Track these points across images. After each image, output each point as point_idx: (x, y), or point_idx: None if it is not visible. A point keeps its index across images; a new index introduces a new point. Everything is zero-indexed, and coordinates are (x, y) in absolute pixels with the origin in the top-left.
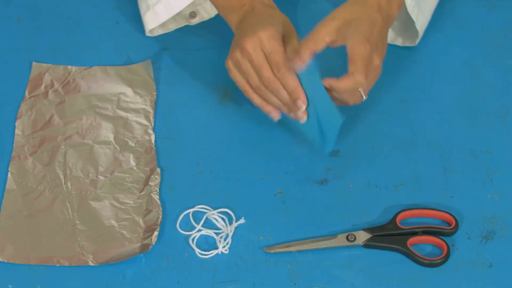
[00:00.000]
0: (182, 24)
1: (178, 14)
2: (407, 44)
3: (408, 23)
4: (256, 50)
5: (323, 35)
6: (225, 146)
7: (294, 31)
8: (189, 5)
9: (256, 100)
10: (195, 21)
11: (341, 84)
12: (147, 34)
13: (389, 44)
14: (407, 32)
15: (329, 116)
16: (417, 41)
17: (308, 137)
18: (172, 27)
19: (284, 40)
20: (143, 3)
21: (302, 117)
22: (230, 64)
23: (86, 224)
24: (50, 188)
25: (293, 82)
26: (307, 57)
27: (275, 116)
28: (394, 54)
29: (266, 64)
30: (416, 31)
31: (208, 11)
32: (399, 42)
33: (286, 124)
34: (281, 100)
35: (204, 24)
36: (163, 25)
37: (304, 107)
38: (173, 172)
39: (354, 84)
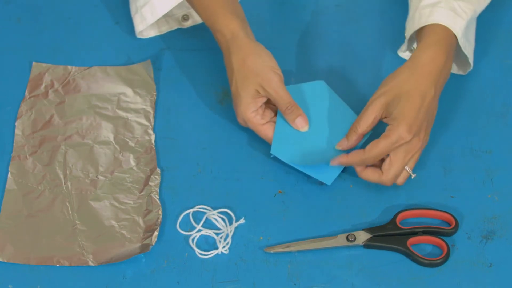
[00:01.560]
0: (174, 27)
1: (171, 16)
2: (460, 73)
3: (458, 55)
4: (247, 124)
5: (371, 116)
6: (225, 146)
7: (263, 70)
8: (181, 8)
9: None
10: (187, 24)
11: (364, 174)
12: (138, 36)
13: (388, 44)
14: (456, 62)
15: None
16: (468, 70)
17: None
18: (165, 29)
19: (259, 92)
20: (133, 5)
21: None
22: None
23: (86, 224)
24: (50, 188)
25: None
26: (355, 141)
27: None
28: (394, 56)
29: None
30: (466, 62)
31: None
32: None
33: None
34: None
35: (204, 25)
36: (154, 27)
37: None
38: (173, 172)
39: (378, 180)
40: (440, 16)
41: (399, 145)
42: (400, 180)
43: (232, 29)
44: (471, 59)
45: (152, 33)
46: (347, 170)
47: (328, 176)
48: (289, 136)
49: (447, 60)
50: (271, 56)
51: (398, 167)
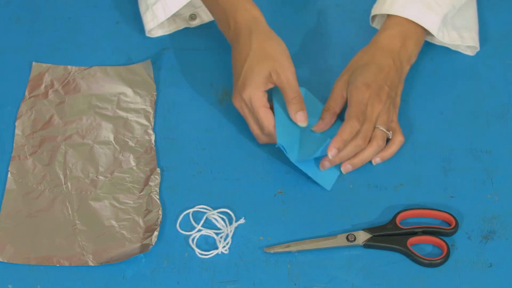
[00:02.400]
0: (182, 26)
1: (178, 16)
2: (468, 53)
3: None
4: (244, 110)
5: (339, 94)
6: (225, 146)
7: (279, 56)
8: (189, 7)
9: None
10: (195, 23)
11: (340, 133)
12: (147, 34)
13: None
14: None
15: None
16: (475, 51)
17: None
18: (172, 28)
19: (269, 77)
20: (143, 3)
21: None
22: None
23: (86, 224)
24: (50, 188)
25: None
26: (329, 120)
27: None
28: None
29: (254, 125)
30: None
31: (208, 14)
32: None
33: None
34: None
35: (204, 25)
36: (163, 26)
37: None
38: (173, 172)
39: (350, 128)
40: (411, 12)
41: (365, 102)
42: (380, 139)
43: (254, 13)
44: (469, 42)
45: (160, 32)
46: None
47: (327, 181)
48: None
49: (407, 41)
50: (287, 49)
51: (369, 123)
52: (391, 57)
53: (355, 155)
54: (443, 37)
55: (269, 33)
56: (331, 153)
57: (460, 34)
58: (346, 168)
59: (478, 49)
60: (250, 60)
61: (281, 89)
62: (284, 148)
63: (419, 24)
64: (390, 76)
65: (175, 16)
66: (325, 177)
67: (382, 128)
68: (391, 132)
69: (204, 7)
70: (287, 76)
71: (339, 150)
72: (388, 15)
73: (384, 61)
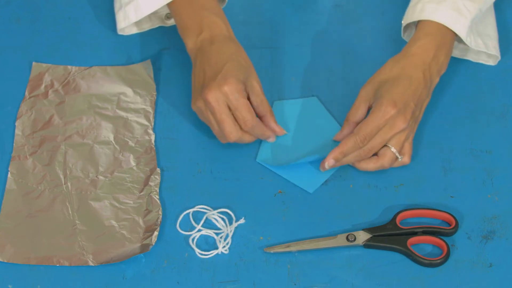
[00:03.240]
0: (156, 24)
1: (154, 14)
2: (490, 63)
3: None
4: (220, 104)
5: (361, 104)
6: (225, 146)
7: (252, 68)
8: (165, 7)
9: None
10: (170, 22)
11: (342, 144)
12: (119, 32)
13: (388, 44)
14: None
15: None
16: (497, 60)
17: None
18: (147, 27)
19: (245, 84)
20: (117, 2)
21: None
22: (195, 110)
23: (86, 224)
24: (50, 188)
25: (260, 129)
26: (348, 131)
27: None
28: (394, 54)
29: (228, 118)
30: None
31: None
32: (483, 59)
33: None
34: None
35: None
36: (138, 24)
37: (273, 139)
38: (173, 172)
39: (353, 144)
40: (442, 16)
41: (385, 121)
42: (384, 161)
43: (227, 26)
44: (492, 51)
45: (134, 30)
46: (347, 170)
47: (311, 184)
48: (276, 146)
49: (438, 51)
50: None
51: (381, 140)
52: (422, 69)
53: (355, 164)
54: (471, 42)
55: (238, 45)
56: (329, 163)
57: (484, 42)
58: (328, 162)
59: (499, 58)
60: (231, 64)
61: (253, 100)
62: (263, 163)
63: (450, 29)
64: (419, 91)
65: (151, 14)
66: (308, 180)
67: (393, 150)
68: (401, 156)
69: None
70: (258, 87)
71: (337, 160)
72: (419, 25)
73: (415, 74)
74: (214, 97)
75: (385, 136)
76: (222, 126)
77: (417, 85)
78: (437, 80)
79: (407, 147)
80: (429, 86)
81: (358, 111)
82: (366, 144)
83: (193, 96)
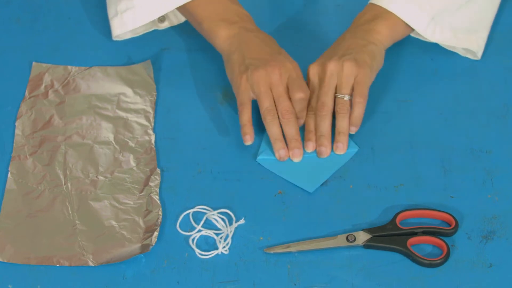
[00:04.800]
0: (150, 28)
1: None
2: (469, 56)
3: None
4: (283, 77)
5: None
6: (225, 146)
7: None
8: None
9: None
10: (163, 25)
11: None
12: (114, 38)
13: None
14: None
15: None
16: (479, 54)
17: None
18: (141, 31)
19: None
20: (112, 8)
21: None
22: (244, 79)
23: (86, 224)
24: (50, 188)
25: (292, 129)
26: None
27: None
28: (393, 55)
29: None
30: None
31: (177, 16)
32: (460, 51)
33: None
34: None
35: None
36: (132, 29)
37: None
38: (173, 172)
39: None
40: (400, 8)
41: (316, 80)
42: (342, 109)
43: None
44: (465, 45)
45: (128, 35)
46: (347, 170)
47: (311, 184)
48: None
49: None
50: None
51: (325, 90)
52: (349, 31)
53: (338, 134)
54: (433, 35)
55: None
56: (309, 148)
57: (456, 35)
58: (337, 147)
59: (478, 54)
60: (274, 45)
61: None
62: (263, 164)
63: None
64: (345, 42)
65: None
66: (308, 180)
67: (339, 95)
68: (347, 96)
69: (173, 10)
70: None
71: (312, 140)
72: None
73: (342, 36)
74: (278, 70)
75: (322, 84)
76: (280, 101)
77: (341, 40)
78: (380, 29)
79: (357, 85)
80: (358, 35)
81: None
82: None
83: (252, 70)
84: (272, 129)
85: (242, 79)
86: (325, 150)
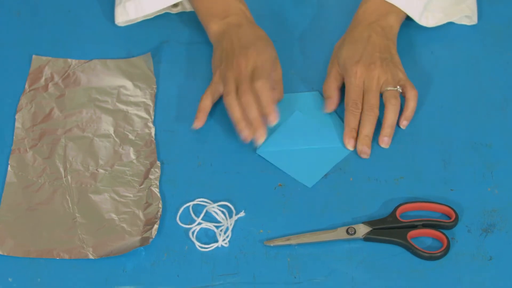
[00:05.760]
0: (163, 11)
1: None
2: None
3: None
4: (247, 67)
5: (330, 79)
6: (225, 139)
7: (277, 58)
8: None
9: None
10: (176, 10)
11: (347, 123)
12: (117, 24)
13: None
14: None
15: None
16: (475, 18)
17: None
18: (152, 14)
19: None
20: None
21: (259, 138)
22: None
23: (86, 217)
24: (50, 181)
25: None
26: (336, 99)
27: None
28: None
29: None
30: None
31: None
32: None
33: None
34: (249, 115)
35: None
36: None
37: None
38: (173, 165)
39: (352, 115)
40: (404, 2)
41: (360, 79)
42: (392, 101)
43: (251, 15)
44: (456, 15)
45: (139, 18)
46: (347, 163)
47: (310, 178)
48: (277, 139)
49: (384, 16)
50: None
51: (372, 94)
52: (369, 28)
53: (387, 127)
54: (427, 22)
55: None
56: (350, 144)
57: (447, 13)
58: (383, 141)
59: (473, 17)
60: (264, 40)
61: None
62: (263, 155)
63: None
64: (377, 43)
65: None
66: (308, 175)
67: (388, 88)
68: (399, 87)
69: None
70: (279, 75)
71: (355, 138)
72: None
73: (365, 33)
74: (245, 62)
75: (370, 87)
76: (241, 83)
77: (372, 40)
78: (393, 32)
79: (404, 82)
80: (385, 36)
81: (332, 85)
82: (361, 106)
83: (224, 63)
84: (234, 111)
85: (215, 73)
86: (368, 151)
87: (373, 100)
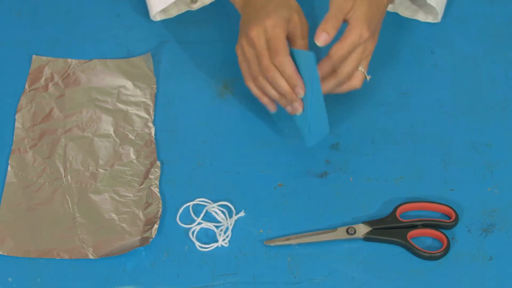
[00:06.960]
0: (183, 9)
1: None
2: (430, 20)
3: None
4: (260, 37)
5: (337, 16)
6: (225, 139)
7: (301, 12)
8: None
9: (255, 90)
10: (196, 6)
11: (344, 38)
12: (152, 18)
13: (388, 37)
14: (426, 7)
15: (320, 113)
16: (439, 16)
17: (298, 127)
18: (174, 12)
19: (289, 23)
20: None
21: (298, 109)
22: (237, 51)
23: (86, 217)
24: (50, 181)
25: (290, 69)
26: (333, 33)
27: (272, 108)
28: (393, 48)
29: (266, 52)
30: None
31: None
32: (420, 17)
33: (283, 118)
34: (279, 91)
35: (204, 17)
36: (165, 10)
37: (302, 93)
38: (173, 165)
39: (335, 82)
40: None
41: (359, 44)
42: (357, 82)
43: None
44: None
45: (163, 16)
46: (348, 163)
47: (312, 137)
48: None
49: None
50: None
51: (353, 64)
52: None
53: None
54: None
55: None
56: (320, 41)
57: (417, 3)
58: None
59: (437, 10)
60: (279, 1)
61: (292, 40)
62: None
63: None
64: (381, 9)
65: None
66: (313, 133)
67: (363, 70)
68: (370, 76)
69: None
70: (304, 29)
71: (334, 57)
72: None
73: None
74: (255, 31)
75: (358, 59)
76: (261, 60)
77: (379, 3)
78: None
79: (366, 67)
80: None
81: (336, 22)
82: (341, 67)
83: (238, 36)
84: (269, 91)
85: (236, 50)
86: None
87: (352, 70)
